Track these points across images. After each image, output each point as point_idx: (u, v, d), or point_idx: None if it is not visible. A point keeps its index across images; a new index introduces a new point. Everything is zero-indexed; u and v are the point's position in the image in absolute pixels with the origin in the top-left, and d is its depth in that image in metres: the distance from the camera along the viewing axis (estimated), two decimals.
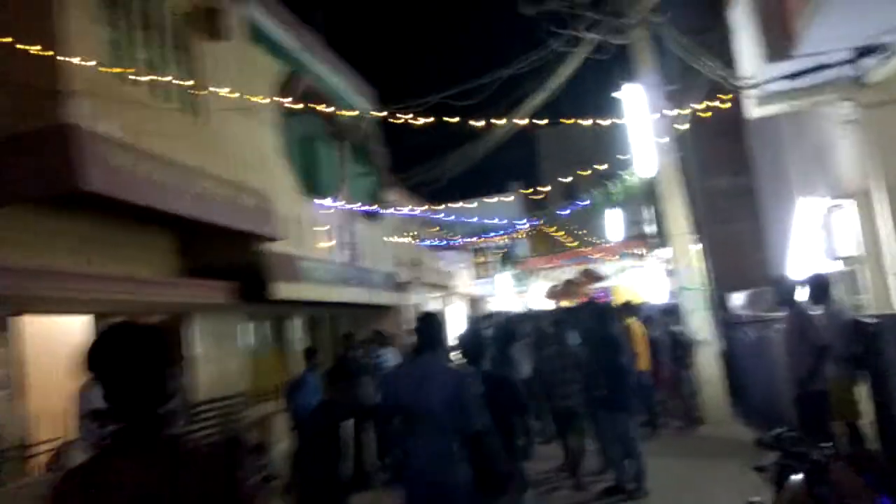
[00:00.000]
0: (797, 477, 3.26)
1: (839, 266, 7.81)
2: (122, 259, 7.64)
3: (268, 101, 9.54)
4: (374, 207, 14.78)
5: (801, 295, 5.83)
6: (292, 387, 7.29)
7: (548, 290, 27.29)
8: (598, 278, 26.69)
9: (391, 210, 15.95)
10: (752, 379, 9.00)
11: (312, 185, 12.08)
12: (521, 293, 27.79)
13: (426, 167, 13.22)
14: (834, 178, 8.27)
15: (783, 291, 5.46)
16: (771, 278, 6.08)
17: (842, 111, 7.44)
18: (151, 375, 1.70)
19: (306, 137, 13.46)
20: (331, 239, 12.42)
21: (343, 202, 12.82)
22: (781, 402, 5.91)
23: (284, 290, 9.56)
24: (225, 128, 9.25)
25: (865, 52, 6.44)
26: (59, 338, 6.61)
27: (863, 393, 5.17)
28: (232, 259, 9.01)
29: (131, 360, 1.69)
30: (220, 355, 8.92)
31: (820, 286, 5.49)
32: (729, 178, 13.16)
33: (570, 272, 27.88)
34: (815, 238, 8.85)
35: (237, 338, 9.75)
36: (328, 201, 12.25)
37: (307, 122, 12.24)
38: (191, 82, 8.15)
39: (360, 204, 13.71)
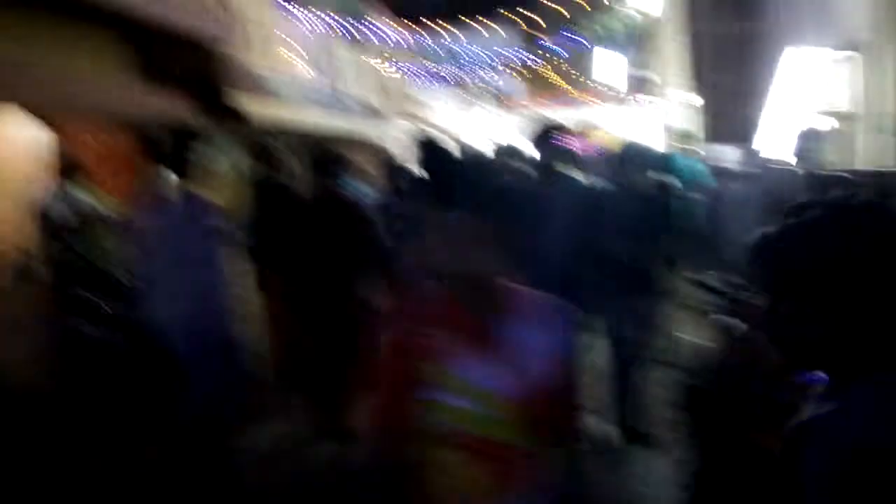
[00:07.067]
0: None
1: (829, 123, 7.41)
2: (75, 65, 6.91)
3: None
4: (353, 23, 13.71)
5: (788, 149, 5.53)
6: None
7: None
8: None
9: (372, 29, 14.85)
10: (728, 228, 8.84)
11: None
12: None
13: None
14: (837, 26, 7.60)
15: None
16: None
17: None
18: None
19: None
20: (305, 56, 11.54)
21: (320, 14, 11.78)
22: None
23: (251, 105, 8.93)
24: None
25: None
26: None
27: None
28: (190, 69, 8.27)
29: None
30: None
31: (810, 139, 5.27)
32: (735, 22, 12.34)
33: (558, 115, 27.07)
34: (807, 91, 8.27)
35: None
36: (301, 11, 11.20)
37: None
38: None
39: (337, 18, 12.66)
